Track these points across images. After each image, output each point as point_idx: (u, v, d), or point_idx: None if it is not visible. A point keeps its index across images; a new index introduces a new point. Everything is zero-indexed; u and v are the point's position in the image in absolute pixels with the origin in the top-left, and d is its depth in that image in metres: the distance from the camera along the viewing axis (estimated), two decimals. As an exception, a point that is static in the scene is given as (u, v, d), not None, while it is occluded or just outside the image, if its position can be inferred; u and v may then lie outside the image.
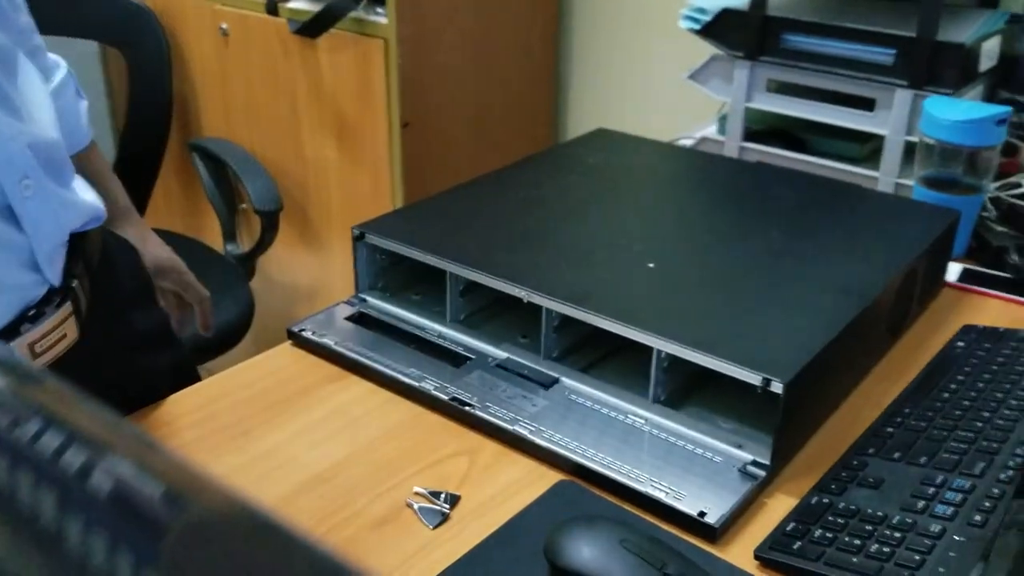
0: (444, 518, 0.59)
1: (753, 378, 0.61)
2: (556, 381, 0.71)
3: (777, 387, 0.60)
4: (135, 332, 0.73)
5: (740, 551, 0.58)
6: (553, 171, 0.94)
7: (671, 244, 0.80)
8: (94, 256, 0.64)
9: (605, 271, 0.74)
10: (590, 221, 0.83)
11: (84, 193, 0.63)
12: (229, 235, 1.55)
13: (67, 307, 0.59)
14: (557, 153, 1.02)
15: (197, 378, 0.76)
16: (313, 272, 1.64)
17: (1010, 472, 0.60)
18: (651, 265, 0.75)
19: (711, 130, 1.21)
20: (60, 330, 0.59)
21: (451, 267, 0.75)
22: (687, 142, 1.20)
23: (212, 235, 1.62)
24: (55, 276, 0.57)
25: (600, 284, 0.71)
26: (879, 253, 0.78)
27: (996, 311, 0.86)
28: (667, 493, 0.60)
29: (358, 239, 0.80)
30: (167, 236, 1.50)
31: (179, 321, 0.84)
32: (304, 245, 1.62)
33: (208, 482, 0.18)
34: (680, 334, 0.65)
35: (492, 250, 0.76)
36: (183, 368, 0.80)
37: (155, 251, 0.82)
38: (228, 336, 1.37)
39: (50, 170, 0.55)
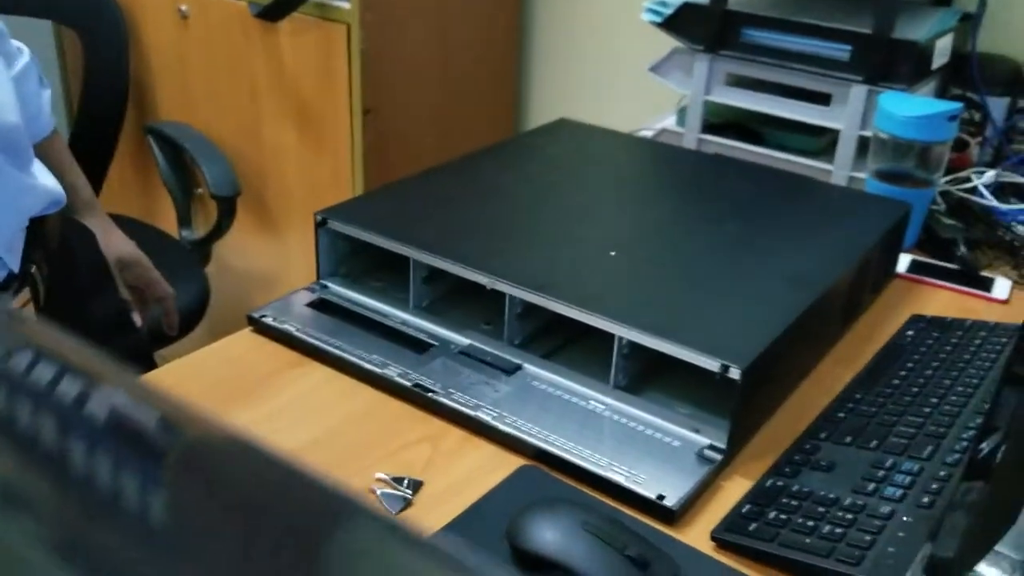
0: (407, 504, 0.59)
1: (712, 364, 0.62)
2: (518, 368, 0.72)
3: (735, 373, 0.61)
4: (93, 318, 0.72)
5: (698, 533, 0.59)
6: (516, 160, 0.94)
7: (632, 233, 0.81)
8: (53, 242, 0.64)
9: (567, 259, 0.75)
10: (552, 210, 0.84)
11: (43, 178, 0.62)
12: (184, 220, 1.53)
13: (25, 293, 0.58)
14: (520, 143, 1.02)
15: (153, 365, 0.75)
16: (270, 259, 1.62)
17: (956, 456, 0.62)
18: (612, 254, 0.76)
19: (670, 122, 1.22)
20: (17, 314, 0.58)
21: (414, 254, 0.75)
22: (647, 133, 1.21)
23: (167, 220, 1.59)
24: (14, 262, 0.56)
25: (562, 272, 0.72)
26: (833, 244, 0.80)
27: (944, 301, 0.89)
28: (627, 477, 0.61)
29: (320, 225, 0.80)
30: (121, 221, 1.48)
31: (141, 316, 0.83)
32: (261, 232, 1.61)
33: (196, 412, 0.18)
34: (641, 321, 0.66)
35: (455, 237, 0.76)
36: (140, 355, 0.79)
37: (118, 246, 0.81)
38: (183, 323, 1.34)
39: (9, 154, 0.54)
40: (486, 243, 0.76)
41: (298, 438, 0.65)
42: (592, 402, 0.68)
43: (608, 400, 0.69)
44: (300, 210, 1.54)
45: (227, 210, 1.43)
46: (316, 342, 0.74)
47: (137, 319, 0.82)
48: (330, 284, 0.82)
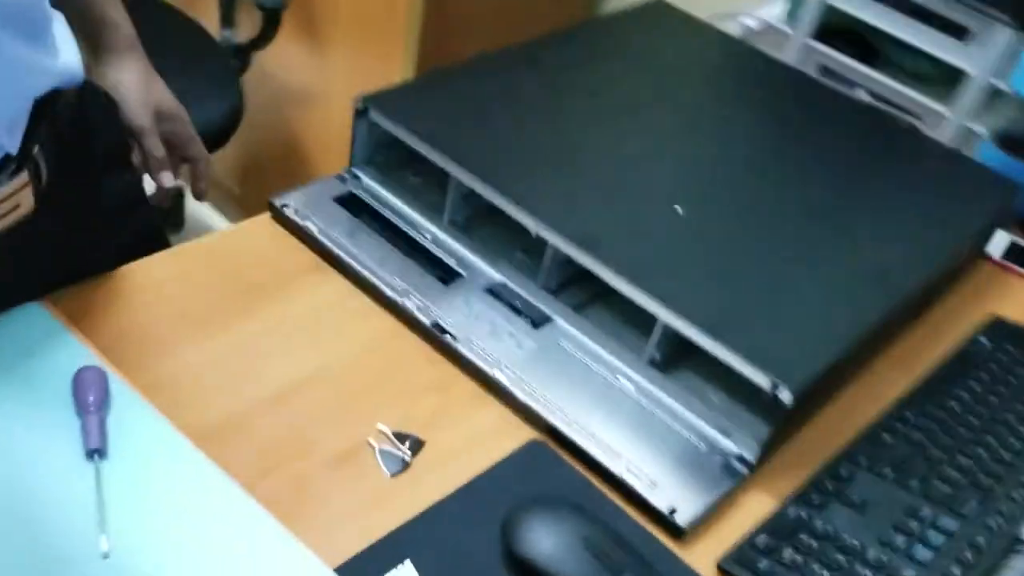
0: (404, 466, 0.58)
1: (761, 379, 0.58)
2: (548, 320, 0.68)
3: (785, 395, 0.57)
4: (104, 198, 0.68)
5: (704, 552, 0.57)
6: (593, 53, 0.86)
7: (704, 181, 0.74)
8: (64, 118, 0.59)
9: (625, 208, 0.69)
10: (621, 134, 0.76)
11: (58, 54, 0.56)
12: (227, 19, 1.44)
13: (23, 177, 0.54)
14: (601, 28, 0.93)
15: (166, 245, 0.72)
16: (310, 73, 1.54)
17: (999, 519, 0.59)
18: (677, 208, 0.69)
19: (778, 13, 1.11)
20: (12, 200, 0.54)
21: (458, 172, 0.69)
22: (750, 23, 1.10)
23: (210, 17, 1.50)
24: (13, 144, 0.52)
25: (617, 225, 0.67)
26: (926, 231, 0.73)
27: (1033, 303, 0.82)
28: (641, 479, 0.59)
29: (360, 113, 0.73)
30: (161, 9, 1.40)
31: (173, 174, 0.77)
32: (304, 43, 1.52)
33: None
34: (690, 308, 0.61)
35: (505, 159, 0.70)
36: (152, 236, 0.76)
37: (159, 95, 0.74)
38: (212, 138, 1.30)
39: (13, 27, 0.48)
40: (538, 174, 0.70)
41: (303, 364, 0.63)
42: (620, 377, 0.65)
43: (637, 378, 0.65)
44: (347, 25, 1.45)
45: (271, 19, 1.35)
46: (337, 250, 0.70)
47: (168, 178, 0.77)
48: (362, 175, 0.77)
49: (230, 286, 0.67)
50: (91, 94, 0.66)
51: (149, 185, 0.77)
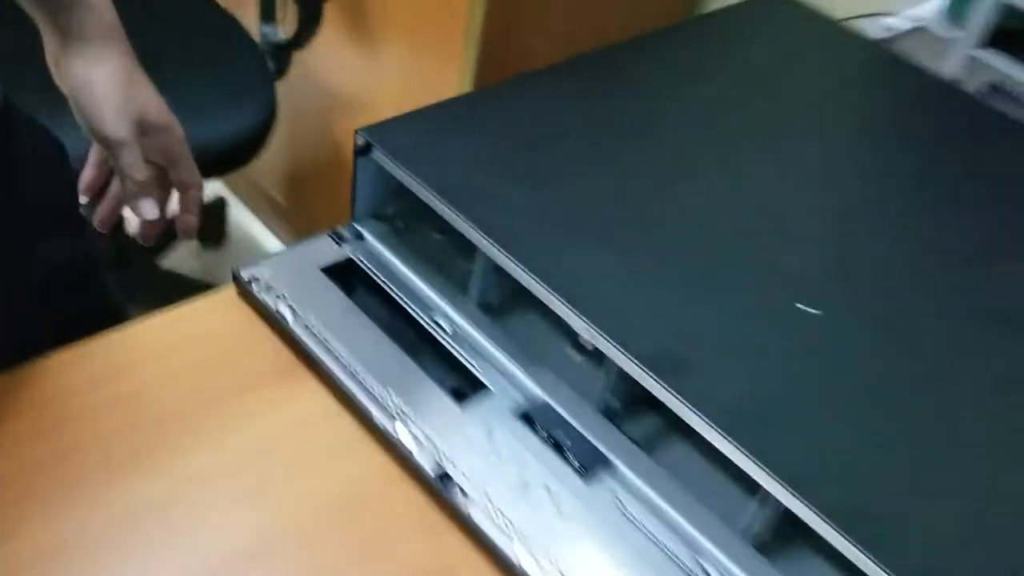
0: None
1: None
2: (603, 462, 0.49)
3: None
4: (43, 269, 0.52)
5: None
6: (688, 64, 0.66)
7: (834, 265, 0.54)
8: None
9: (725, 309, 0.49)
10: (719, 189, 0.56)
11: None
12: (268, 13, 1.29)
13: None
14: (704, 29, 0.72)
15: (119, 321, 0.55)
16: (361, 75, 1.38)
17: None
18: (806, 310, 0.49)
19: (932, 7, 0.88)
20: None
21: (487, 247, 0.50)
22: (898, 23, 0.88)
23: (248, 11, 1.35)
24: None
25: (711, 339, 0.47)
26: None
27: None
28: None
29: (362, 152, 0.55)
30: None
31: (158, 204, 0.60)
32: (354, 41, 1.36)
33: None
34: (812, 483, 0.41)
35: (556, 226, 0.51)
36: (100, 314, 0.59)
37: (143, 101, 0.56)
38: (237, 150, 1.15)
39: None
40: (599, 250, 0.50)
41: (249, 525, 0.45)
42: (706, 565, 0.45)
43: (729, 564, 0.45)
44: (400, 22, 1.28)
45: (312, 12, 1.18)
46: (315, 348, 0.52)
47: (149, 208, 0.59)
48: (366, 233, 0.59)
49: (166, 399, 0.50)
50: (32, 131, 0.49)
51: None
